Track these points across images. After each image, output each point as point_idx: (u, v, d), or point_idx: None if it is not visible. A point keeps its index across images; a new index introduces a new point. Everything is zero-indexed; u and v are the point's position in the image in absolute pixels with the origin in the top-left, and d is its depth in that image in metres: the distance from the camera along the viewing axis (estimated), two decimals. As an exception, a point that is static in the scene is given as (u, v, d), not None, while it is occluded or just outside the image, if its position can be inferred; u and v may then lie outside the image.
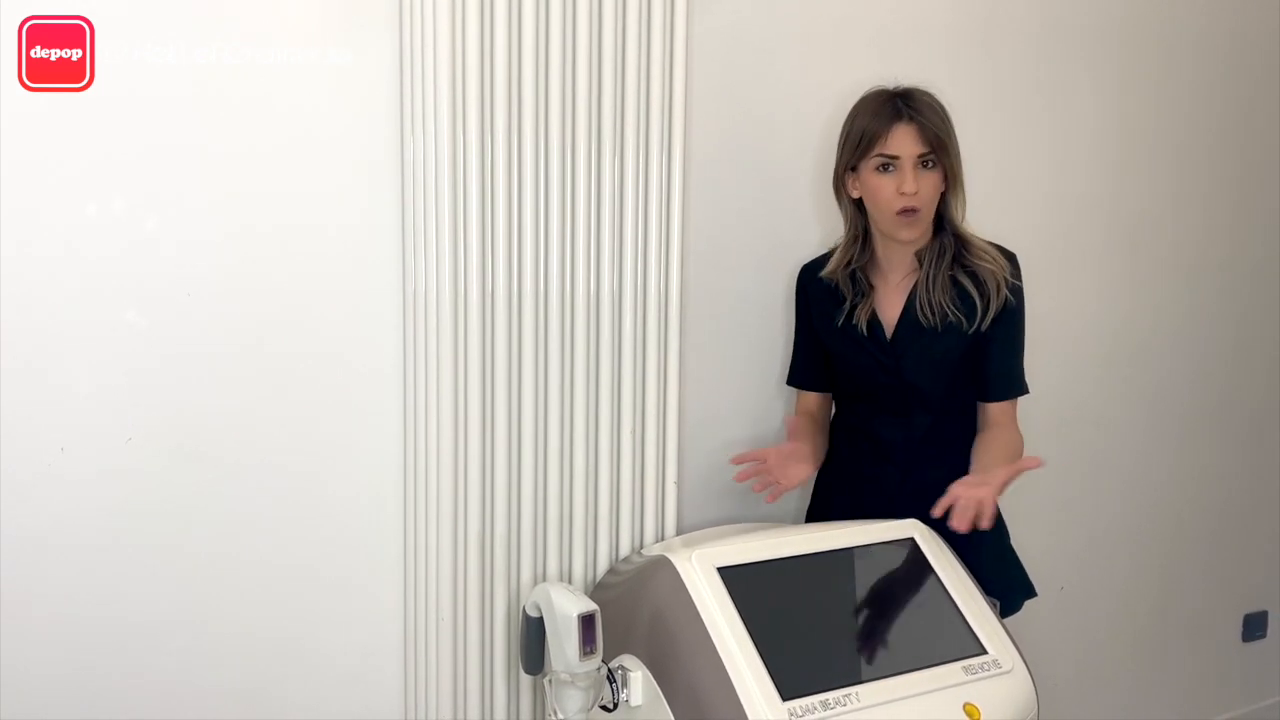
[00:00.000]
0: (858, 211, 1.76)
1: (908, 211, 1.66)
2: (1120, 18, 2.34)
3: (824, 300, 1.82)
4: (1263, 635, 2.88)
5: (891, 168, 1.66)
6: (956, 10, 2.12)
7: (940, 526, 1.67)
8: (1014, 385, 1.77)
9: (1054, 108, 2.27)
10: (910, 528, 1.65)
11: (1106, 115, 2.35)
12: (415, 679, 1.70)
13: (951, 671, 1.47)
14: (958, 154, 1.70)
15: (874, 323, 1.77)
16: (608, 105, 1.65)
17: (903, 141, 1.65)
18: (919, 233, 1.71)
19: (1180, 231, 2.52)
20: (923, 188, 1.66)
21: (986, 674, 1.48)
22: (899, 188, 1.65)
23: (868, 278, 1.78)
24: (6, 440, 1.42)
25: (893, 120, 1.66)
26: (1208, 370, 2.63)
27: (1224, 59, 2.52)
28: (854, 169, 1.72)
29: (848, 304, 1.78)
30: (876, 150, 1.66)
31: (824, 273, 1.81)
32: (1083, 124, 2.32)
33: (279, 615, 1.62)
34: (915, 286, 1.74)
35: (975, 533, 1.78)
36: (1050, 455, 2.35)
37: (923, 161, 1.67)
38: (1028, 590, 1.86)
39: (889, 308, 1.77)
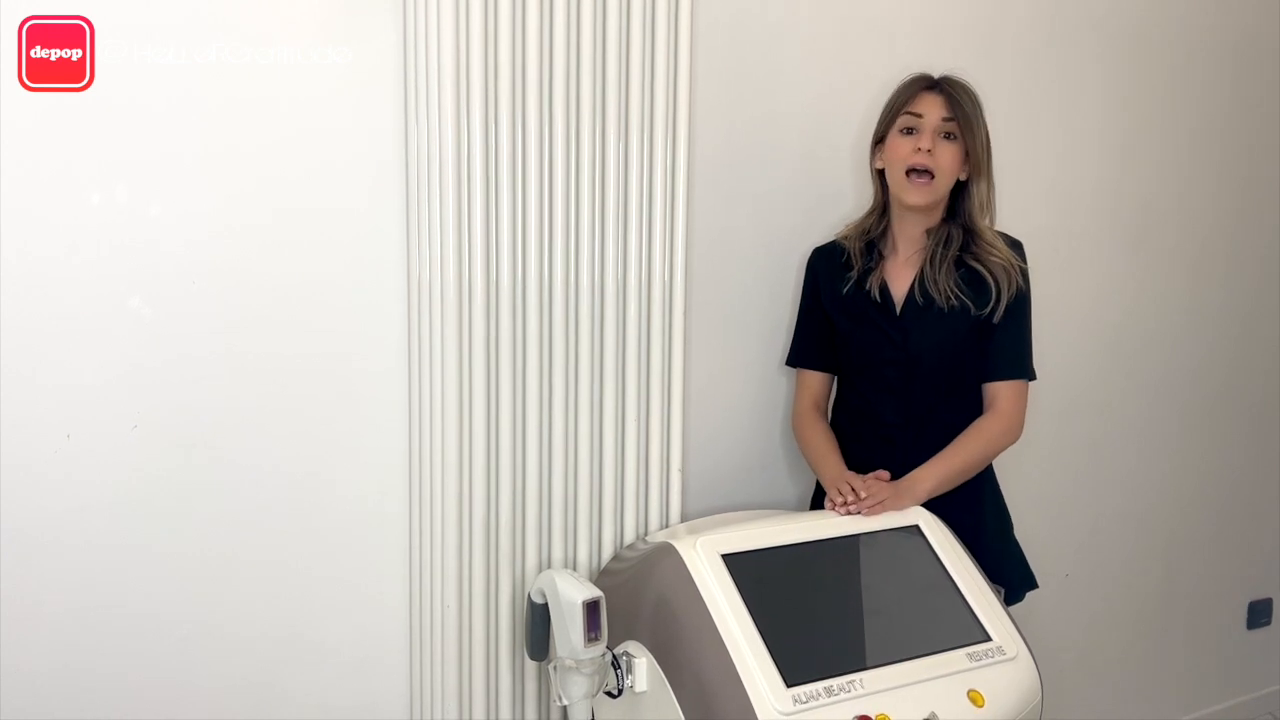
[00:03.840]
0: (881, 185, 1.80)
1: (919, 172, 1.70)
2: (1128, 10, 2.33)
3: (832, 272, 1.84)
4: (1268, 622, 2.88)
5: (915, 131, 1.71)
6: (963, 2, 2.11)
7: (945, 515, 1.68)
8: (1019, 367, 1.77)
9: (1061, 98, 2.27)
10: (915, 515, 1.65)
11: (1113, 106, 2.35)
12: (420, 667, 1.70)
13: (956, 658, 1.47)
14: (985, 146, 1.73)
15: (885, 295, 1.78)
16: (612, 93, 1.65)
17: (929, 104, 1.71)
18: (926, 200, 1.72)
19: (1185, 222, 2.52)
20: (939, 154, 1.70)
21: (990, 661, 1.49)
22: (915, 145, 1.70)
23: (881, 249, 1.81)
24: (13, 427, 1.42)
25: (924, 88, 1.73)
26: (1212, 359, 2.63)
27: (1231, 52, 2.51)
28: (882, 141, 1.77)
29: (856, 271, 1.79)
30: (905, 110, 1.72)
31: (839, 234, 1.86)
32: (1090, 115, 2.32)
33: (283, 604, 1.62)
34: (923, 265, 1.75)
35: (980, 522, 1.79)
36: (1054, 443, 2.37)
37: (946, 133, 1.70)
38: (1029, 582, 1.86)
39: (898, 282, 1.78)
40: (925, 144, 1.69)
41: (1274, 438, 2.80)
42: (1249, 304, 2.68)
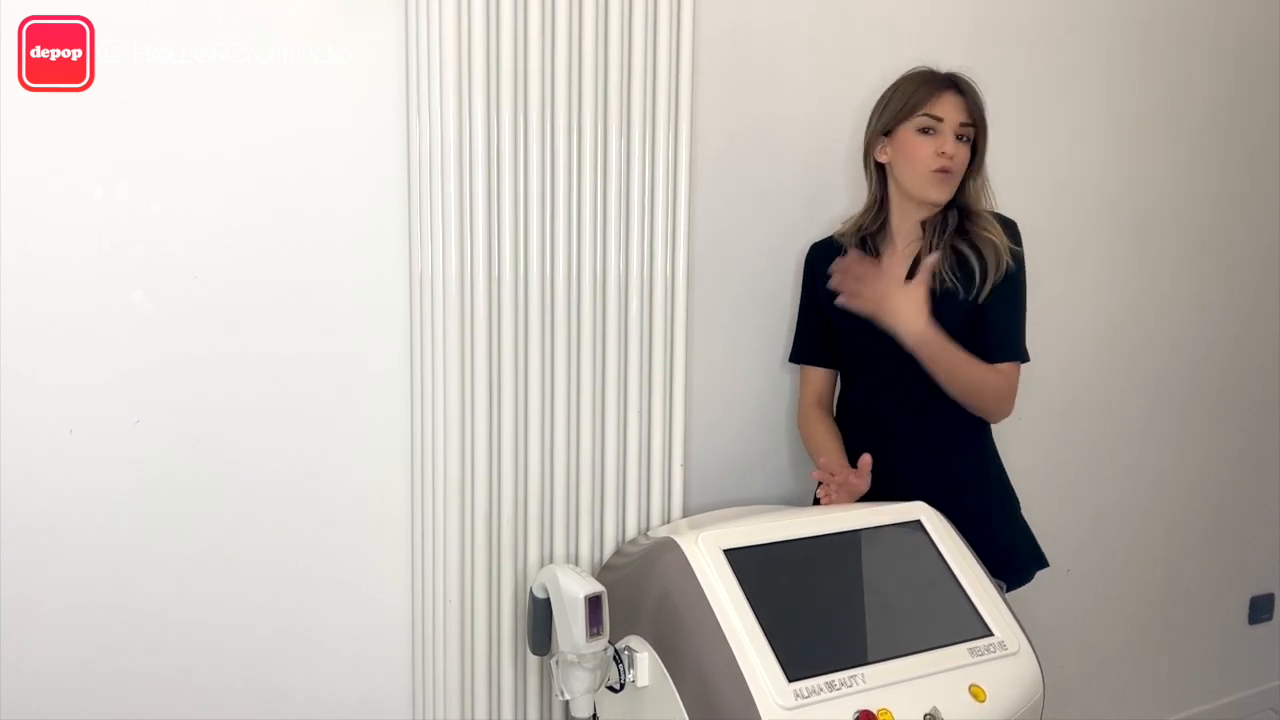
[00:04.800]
0: (880, 178, 1.80)
1: (943, 172, 1.71)
2: (1131, 6, 2.32)
3: (829, 268, 1.81)
4: (1269, 617, 2.89)
5: (933, 131, 1.71)
6: (967, -4, 2.11)
7: (952, 496, 1.68)
8: (1012, 348, 1.76)
9: (1063, 97, 2.26)
10: (917, 510, 1.65)
11: (1116, 104, 2.35)
12: (423, 662, 1.71)
13: (957, 653, 1.47)
14: (986, 140, 1.75)
15: None
16: (614, 88, 1.65)
17: (949, 108, 1.71)
18: (947, 195, 1.73)
19: (1187, 219, 2.52)
20: (958, 155, 1.71)
21: (992, 656, 1.49)
22: (938, 149, 1.70)
23: (876, 246, 1.81)
24: (15, 422, 1.42)
25: (942, 88, 1.72)
26: (1213, 355, 2.63)
27: (1234, 48, 2.51)
28: (887, 134, 1.75)
29: None
30: (922, 112, 1.71)
31: (838, 231, 1.86)
32: (1092, 113, 2.31)
33: (285, 601, 1.63)
34: (918, 255, 1.75)
35: (988, 504, 1.79)
36: (1056, 439, 2.38)
37: (961, 134, 1.72)
38: (1039, 560, 1.87)
39: None
40: (949, 149, 1.70)
41: (1275, 434, 2.80)
42: (1250, 301, 2.68)
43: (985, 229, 1.73)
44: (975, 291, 1.72)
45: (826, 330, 1.86)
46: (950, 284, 1.72)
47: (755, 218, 1.93)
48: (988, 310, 1.73)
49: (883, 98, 1.78)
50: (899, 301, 1.63)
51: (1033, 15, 2.19)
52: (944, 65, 1.76)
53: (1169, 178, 2.47)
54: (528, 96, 1.59)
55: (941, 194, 1.72)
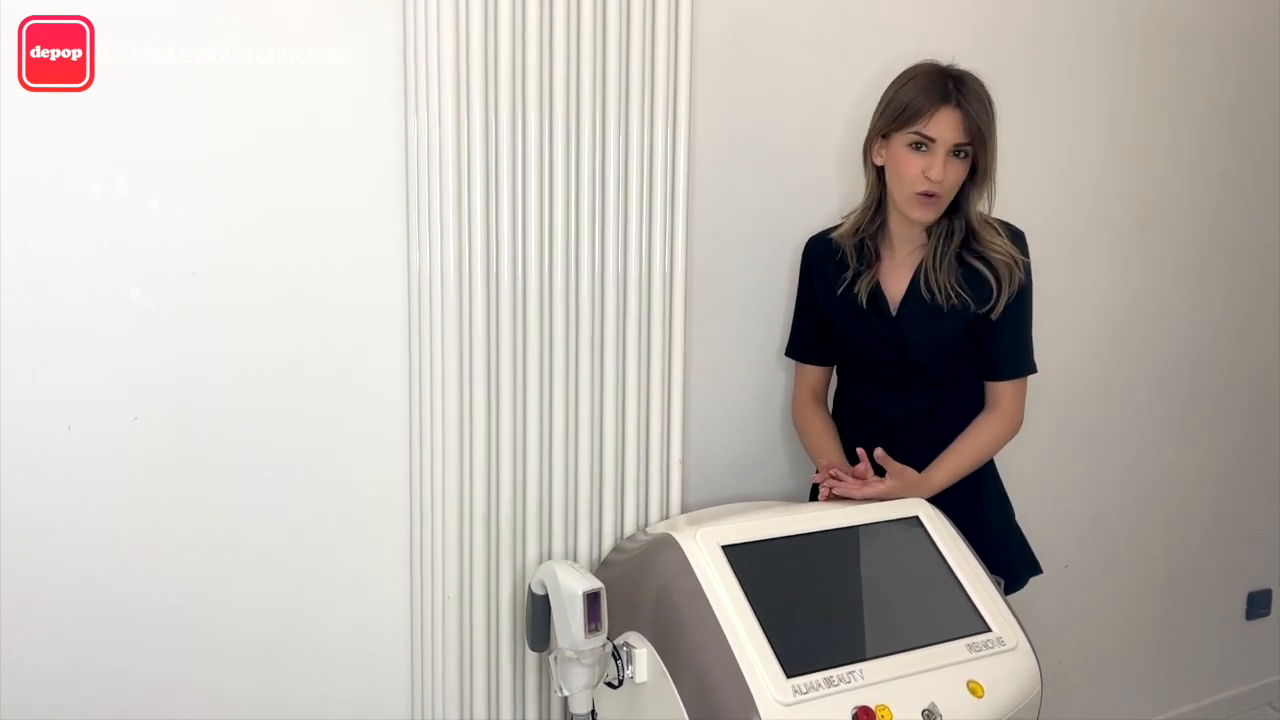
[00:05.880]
0: (878, 179, 1.74)
1: (928, 195, 1.64)
2: (1133, 3, 2.32)
3: (827, 268, 1.81)
4: (1266, 613, 2.89)
5: (925, 148, 1.63)
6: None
7: (946, 505, 1.68)
8: (1020, 364, 1.75)
9: (1065, 94, 2.26)
10: (915, 506, 1.65)
11: (1118, 101, 2.35)
12: (422, 659, 1.71)
13: (955, 649, 1.47)
14: (993, 150, 1.66)
15: (879, 296, 1.76)
16: (612, 86, 1.65)
17: (944, 126, 1.61)
18: (933, 217, 1.68)
19: (1188, 217, 2.52)
20: (949, 176, 1.63)
21: (990, 651, 1.49)
22: (926, 170, 1.63)
23: (876, 248, 1.77)
24: (14, 418, 1.43)
25: (940, 102, 1.61)
26: (1213, 352, 2.63)
27: (1236, 47, 2.51)
28: (885, 137, 1.69)
29: (850, 272, 1.77)
30: (915, 127, 1.62)
31: (835, 234, 1.80)
32: (1095, 110, 2.31)
33: (284, 597, 1.63)
34: (922, 264, 1.73)
35: (981, 510, 1.79)
36: (1056, 435, 2.38)
37: (957, 150, 1.63)
38: (1033, 567, 1.86)
39: (895, 282, 1.76)
40: (936, 173, 1.61)
41: (1274, 430, 2.80)
42: (1250, 298, 2.68)
43: (994, 245, 1.68)
44: (987, 307, 1.69)
45: (824, 326, 1.85)
46: (958, 300, 1.69)
47: (754, 215, 1.93)
48: (997, 325, 1.71)
49: (885, 95, 1.70)
50: (896, 496, 1.66)
51: (1033, 15, 2.19)
52: (946, 58, 1.70)
53: (1169, 178, 2.47)
54: (525, 95, 1.59)
55: (924, 216, 1.67)
